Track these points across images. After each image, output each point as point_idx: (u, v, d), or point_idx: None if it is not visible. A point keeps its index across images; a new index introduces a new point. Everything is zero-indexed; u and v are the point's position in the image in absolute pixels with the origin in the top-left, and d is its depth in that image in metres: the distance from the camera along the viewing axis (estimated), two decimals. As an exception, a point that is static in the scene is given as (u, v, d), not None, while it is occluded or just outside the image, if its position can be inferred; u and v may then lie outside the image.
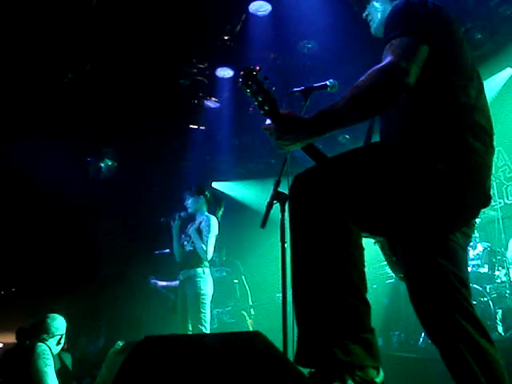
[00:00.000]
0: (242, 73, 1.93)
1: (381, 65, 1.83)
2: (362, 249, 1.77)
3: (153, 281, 6.54)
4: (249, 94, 1.96)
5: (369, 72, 1.83)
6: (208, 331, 4.95)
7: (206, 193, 5.54)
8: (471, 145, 1.86)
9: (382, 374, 1.65)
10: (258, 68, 1.95)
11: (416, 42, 1.86)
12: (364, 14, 2.35)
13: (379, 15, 2.25)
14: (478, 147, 1.88)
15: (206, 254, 5.14)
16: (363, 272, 1.73)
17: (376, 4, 2.27)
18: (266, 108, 1.93)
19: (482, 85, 2.05)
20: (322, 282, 1.66)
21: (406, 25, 1.90)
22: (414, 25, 1.90)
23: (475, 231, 5.59)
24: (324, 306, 1.64)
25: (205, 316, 5.00)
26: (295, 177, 1.83)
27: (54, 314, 4.41)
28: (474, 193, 1.90)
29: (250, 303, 7.40)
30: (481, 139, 1.90)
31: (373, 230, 2.00)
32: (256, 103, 1.96)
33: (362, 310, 1.66)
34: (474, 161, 1.86)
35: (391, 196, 1.82)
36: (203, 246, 5.14)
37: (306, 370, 1.57)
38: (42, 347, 4.02)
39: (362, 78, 1.82)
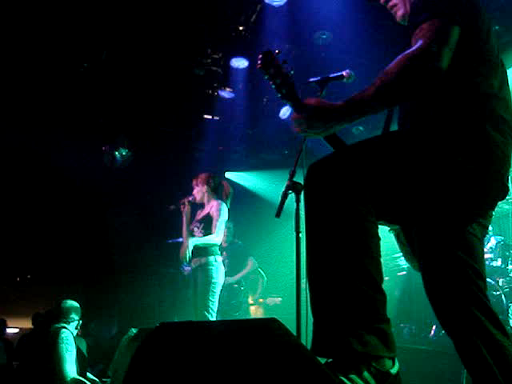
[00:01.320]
0: (260, 55, 1.93)
1: (411, 49, 1.77)
2: (378, 238, 1.76)
3: (186, 268, 6.52)
4: (266, 77, 1.95)
5: (399, 57, 1.77)
6: (214, 319, 4.98)
7: (211, 181, 5.51)
8: (491, 136, 1.82)
9: (397, 364, 1.65)
10: (277, 51, 1.95)
11: (447, 23, 1.79)
12: (383, 0, 2.19)
13: (407, 3, 2.11)
14: (498, 139, 1.83)
15: (215, 241, 5.16)
16: (379, 262, 1.72)
17: None
18: (284, 91, 1.93)
19: (506, 75, 1.99)
20: (338, 271, 1.65)
21: (435, 7, 1.83)
22: (444, 6, 1.83)
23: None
24: (340, 295, 1.63)
25: (212, 304, 5.02)
26: (310, 166, 1.81)
27: (70, 300, 4.51)
28: (493, 185, 1.87)
29: (257, 298, 7.37)
30: (501, 131, 1.85)
31: (389, 218, 1.99)
32: (274, 86, 1.95)
33: (378, 300, 1.66)
34: (494, 153, 1.82)
35: (408, 186, 1.80)
36: (214, 236, 5.14)
37: (322, 360, 1.58)
38: (66, 333, 4.13)
39: (392, 63, 1.78)
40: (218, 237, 5.16)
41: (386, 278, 1.85)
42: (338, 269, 1.66)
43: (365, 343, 1.57)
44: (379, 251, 1.74)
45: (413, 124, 2.00)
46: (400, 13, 2.16)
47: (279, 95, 1.96)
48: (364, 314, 1.62)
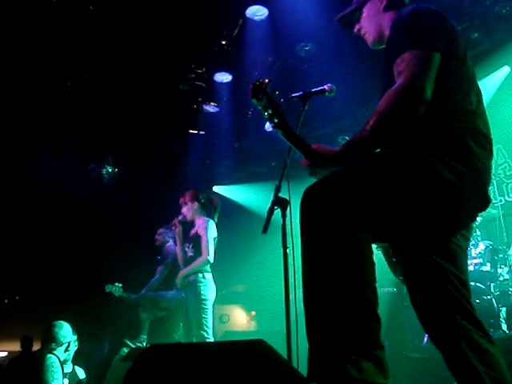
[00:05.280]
0: (251, 86, 1.99)
1: (396, 86, 1.85)
2: (374, 264, 1.77)
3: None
4: (260, 108, 2.03)
5: (386, 96, 1.86)
6: (211, 336, 4.92)
7: (200, 197, 5.46)
8: (474, 150, 1.88)
9: None
10: (267, 81, 2.01)
11: (427, 52, 1.87)
12: (355, 29, 2.36)
13: (374, 28, 2.27)
14: (479, 153, 1.89)
15: (208, 260, 5.10)
16: (375, 287, 1.73)
17: (368, 17, 2.28)
18: (276, 121, 2.01)
19: (481, 93, 2.06)
20: (335, 297, 1.66)
21: (414, 36, 1.91)
22: (423, 35, 1.90)
23: (477, 230, 5.60)
24: (337, 322, 1.63)
25: (207, 321, 4.96)
26: (305, 190, 1.84)
27: (60, 322, 4.41)
28: (476, 198, 1.92)
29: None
30: (481, 145, 1.91)
31: (382, 238, 2.02)
32: (266, 116, 2.02)
33: (374, 326, 1.66)
34: (477, 167, 1.87)
35: (400, 204, 1.84)
36: (203, 258, 5.11)
37: None
38: (51, 359, 4.02)
39: (381, 103, 1.86)
40: (209, 256, 5.08)
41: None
42: (335, 295, 1.66)
43: (361, 370, 1.57)
44: (375, 277, 1.75)
45: (399, 140, 2.00)
46: (369, 39, 2.32)
47: (272, 125, 2.03)
48: (361, 341, 1.61)
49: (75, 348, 4.49)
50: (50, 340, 4.23)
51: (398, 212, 1.84)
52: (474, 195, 1.90)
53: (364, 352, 1.60)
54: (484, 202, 1.96)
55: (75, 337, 4.48)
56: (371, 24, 2.28)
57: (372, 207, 1.79)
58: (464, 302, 1.89)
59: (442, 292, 1.90)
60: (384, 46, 2.24)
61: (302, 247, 1.80)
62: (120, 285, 6.41)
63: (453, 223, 1.95)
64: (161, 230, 6.91)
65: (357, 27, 2.35)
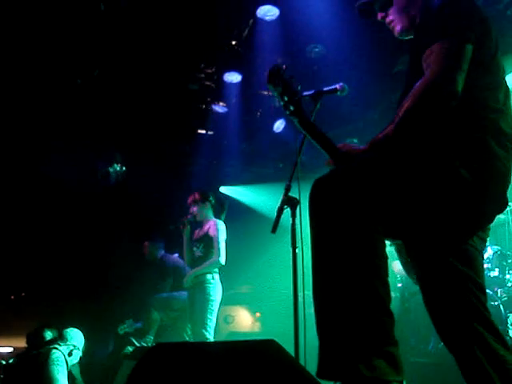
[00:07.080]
0: (268, 71, 1.94)
1: (425, 79, 1.76)
2: (386, 258, 1.72)
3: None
4: (276, 94, 1.97)
5: (414, 91, 1.77)
6: (211, 337, 4.93)
7: (210, 198, 5.48)
8: (495, 152, 1.81)
9: None
10: (284, 66, 1.96)
11: (459, 43, 1.77)
12: (379, 17, 2.19)
13: (402, 15, 2.11)
14: (501, 155, 1.82)
15: (220, 263, 5.12)
16: (387, 283, 1.68)
17: (396, 3, 2.12)
18: (292, 108, 1.96)
19: (509, 91, 1.98)
20: (347, 293, 1.61)
21: (445, 26, 1.81)
22: (454, 25, 1.80)
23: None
24: (348, 318, 1.59)
25: (210, 321, 4.98)
26: (316, 181, 1.78)
27: (74, 328, 4.50)
28: (494, 200, 1.86)
29: None
30: (504, 146, 1.84)
31: (394, 235, 1.97)
32: (282, 103, 1.97)
33: (387, 323, 1.62)
34: (497, 169, 1.81)
35: (414, 201, 1.78)
36: (215, 259, 5.12)
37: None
38: (56, 354, 4.11)
39: (409, 98, 1.78)
40: (220, 257, 5.12)
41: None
42: (346, 290, 1.62)
43: (373, 368, 1.52)
44: (387, 272, 1.70)
45: (417, 138, 1.93)
46: (398, 28, 2.15)
47: (287, 112, 1.98)
48: (372, 338, 1.57)
49: (78, 358, 4.51)
50: (58, 337, 4.31)
51: (413, 209, 1.79)
52: (493, 197, 1.84)
53: (376, 349, 1.56)
54: (502, 204, 1.90)
55: (82, 347, 4.51)
56: (399, 11, 2.12)
57: (385, 202, 1.74)
58: (481, 307, 1.84)
59: (458, 297, 1.85)
60: (410, 37, 2.13)
61: (312, 241, 1.75)
62: (130, 320, 6.42)
63: (470, 225, 1.89)
64: (146, 243, 6.96)
65: (381, 15, 2.18)
